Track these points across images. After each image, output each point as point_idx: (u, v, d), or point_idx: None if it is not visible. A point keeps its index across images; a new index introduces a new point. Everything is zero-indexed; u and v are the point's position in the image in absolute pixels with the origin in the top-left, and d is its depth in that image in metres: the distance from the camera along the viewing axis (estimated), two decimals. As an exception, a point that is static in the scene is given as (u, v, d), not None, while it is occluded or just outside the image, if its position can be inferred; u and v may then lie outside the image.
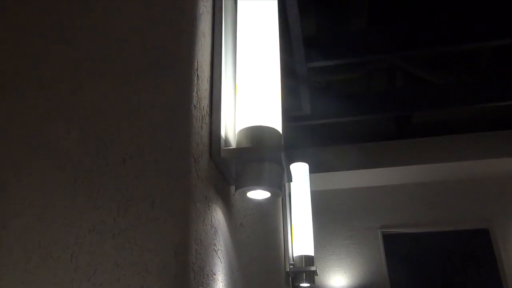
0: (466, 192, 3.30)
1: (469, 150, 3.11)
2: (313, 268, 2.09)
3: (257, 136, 0.78)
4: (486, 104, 2.67)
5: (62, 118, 0.71)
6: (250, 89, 0.82)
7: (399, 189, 3.40)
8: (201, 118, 0.73)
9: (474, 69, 2.69)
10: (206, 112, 0.77)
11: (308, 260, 2.13)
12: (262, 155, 0.77)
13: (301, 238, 2.16)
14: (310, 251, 2.17)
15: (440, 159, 3.14)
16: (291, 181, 0.94)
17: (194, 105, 0.71)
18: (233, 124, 0.87)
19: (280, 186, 0.79)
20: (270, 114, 0.81)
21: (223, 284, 0.83)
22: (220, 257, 0.83)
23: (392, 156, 3.22)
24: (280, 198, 1.73)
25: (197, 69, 0.74)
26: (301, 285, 2.11)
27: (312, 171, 2.41)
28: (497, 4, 2.17)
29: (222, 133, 0.80)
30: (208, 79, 0.81)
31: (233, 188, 0.89)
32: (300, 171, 2.17)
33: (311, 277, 2.12)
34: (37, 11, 0.78)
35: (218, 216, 0.80)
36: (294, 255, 2.17)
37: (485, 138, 3.14)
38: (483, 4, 2.19)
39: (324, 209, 3.36)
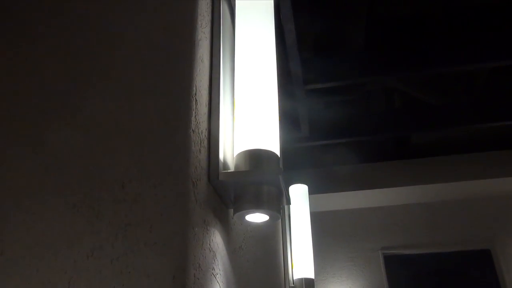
0: (467, 213, 3.29)
1: (469, 170, 3.12)
2: (314, 291, 2.07)
3: (255, 159, 0.78)
4: (484, 124, 2.68)
5: (61, 142, 0.72)
6: (248, 113, 0.83)
7: (400, 209, 3.39)
8: (199, 142, 0.74)
9: (471, 89, 2.72)
10: (205, 136, 0.78)
11: (309, 283, 2.11)
12: (261, 178, 0.78)
13: (301, 261, 2.14)
14: (311, 274, 2.15)
15: (440, 179, 3.14)
16: (290, 204, 0.94)
17: (193, 130, 0.71)
18: (231, 147, 0.87)
19: (278, 209, 0.80)
20: (268, 137, 0.82)
21: (222, 309, 0.83)
22: (219, 281, 0.82)
23: (392, 176, 3.22)
24: (279, 220, 1.73)
25: (195, 94, 0.75)
26: (302, 308, 2.08)
27: (311, 192, 2.41)
28: (492, 26, 2.21)
29: (221, 157, 0.80)
30: (207, 103, 0.82)
31: (231, 211, 0.89)
32: (299, 193, 2.17)
33: (312, 300, 2.09)
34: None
35: (216, 240, 0.80)
36: (294, 278, 2.14)
37: (484, 158, 3.14)
38: (479, 26, 2.23)
39: (324, 231, 3.34)
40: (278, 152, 0.83)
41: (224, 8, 0.98)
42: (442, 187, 3.18)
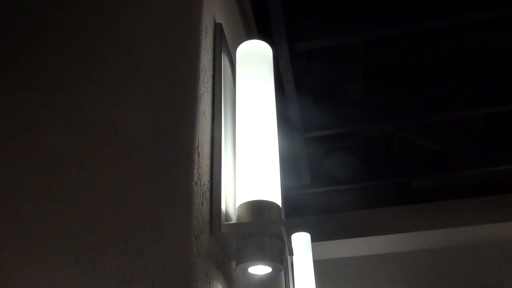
0: (472, 258, 3.23)
1: (472, 214, 3.09)
2: None
3: (257, 210, 0.79)
4: (486, 168, 2.69)
5: (66, 197, 0.73)
6: (249, 164, 0.85)
7: (404, 256, 3.33)
8: (201, 194, 0.75)
9: (469, 134, 2.75)
10: (207, 188, 0.79)
11: (314, 335, 2.05)
12: (263, 230, 0.78)
13: (305, 312, 2.09)
14: (316, 325, 2.08)
15: (443, 224, 3.11)
16: (292, 254, 0.94)
17: (195, 182, 0.72)
18: (233, 198, 0.88)
19: (281, 260, 0.79)
20: (270, 188, 0.83)
21: None
22: (222, 336, 0.81)
23: (394, 222, 3.19)
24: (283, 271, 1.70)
25: (197, 147, 0.76)
26: None
27: (314, 239, 2.38)
28: (488, 72, 2.26)
29: (223, 208, 0.81)
30: (209, 156, 0.83)
31: (234, 263, 0.88)
32: (302, 242, 2.14)
33: None
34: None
35: (219, 293, 0.79)
36: (299, 330, 2.08)
37: (487, 202, 3.13)
38: (475, 72, 2.28)
39: (328, 279, 3.27)
40: (279, 202, 0.83)
41: (224, 62, 1.02)
42: (446, 233, 3.14)
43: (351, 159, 2.89)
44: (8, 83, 0.85)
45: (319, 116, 2.30)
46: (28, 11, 0.95)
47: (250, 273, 0.81)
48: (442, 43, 2.18)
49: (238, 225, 0.78)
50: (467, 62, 2.28)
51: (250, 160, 0.85)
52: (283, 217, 0.84)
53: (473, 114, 2.44)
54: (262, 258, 0.76)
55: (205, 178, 0.79)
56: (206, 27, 0.94)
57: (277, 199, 0.83)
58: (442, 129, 2.76)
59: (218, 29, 1.03)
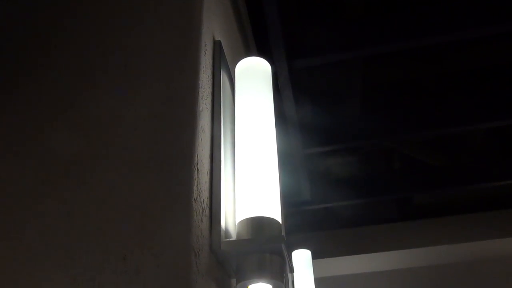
0: (475, 274, 3.20)
1: (475, 230, 3.07)
2: None
3: (257, 227, 0.78)
4: (487, 183, 2.68)
5: (65, 212, 0.72)
6: (249, 180, 0.84)
7: (406, 273, 3.30)
8: (201, 211, 0.74)
9: (469, 150, 2.74)
10: (207, 204, 0.78)
11: None
12: (263, 246, 0.77)
13: (307, 330, 2.06)
14: None
15: (445, 240, 3.09)
16: (293, 272, 0.92)
17: (195, 199, 0.72)
18: (233, 214, 0.87)
19: (281, 278, 0.78)
20: (270, 204, 0.82)
21: None
22: None
23: (396, 239, 3.17)
24: None
25: (197, 163, 0.76)
26: None
27: (314, 257, 2.36)
28: (486, 87, 2.27)
29: (222, 225, 0.80)
30: (208, 172, 0.83)
31: (234, 281, 0.87)
32: (302, 259, 2.12)
33: None
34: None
35: (219, 312, 0.78)
36: None
37: (490, 217, 3.11)
38: (473, 87, 2.29)
39: (330, 297, 3.24)
40: (280, 219, 0.83)
41: (224, 79, 1.02)
42: (448, 249, 3.11)
43: (352, 175, 2.88)
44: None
45: (319, 132, 2.30)
46: (34, 15, 0.95)
47: (250, 291, 0.80)
48: (442, 58, 2.19)
49: (238, 242, 0.78)
50: (466, 77, 2.29)
51: (250, 176, 0.84)
52: (283, 233, 0.83)
53: (473, 129, 2.44)
54: (262, 275, 0.75)
55: (205, 195, 0.78)
56: (205, 44, 0.95)
57: (277, 216, 0.83)
58: (442, 145, 2.76)
59: (217, 47, 1.04)
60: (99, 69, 0.86)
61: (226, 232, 0.82)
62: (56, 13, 0.96)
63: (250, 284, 0.78)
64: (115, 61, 0.86)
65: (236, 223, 0.82)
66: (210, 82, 0.94)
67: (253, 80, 0.97)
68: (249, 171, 0.85)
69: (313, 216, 3.16)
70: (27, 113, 0.83)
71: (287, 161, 2.31)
